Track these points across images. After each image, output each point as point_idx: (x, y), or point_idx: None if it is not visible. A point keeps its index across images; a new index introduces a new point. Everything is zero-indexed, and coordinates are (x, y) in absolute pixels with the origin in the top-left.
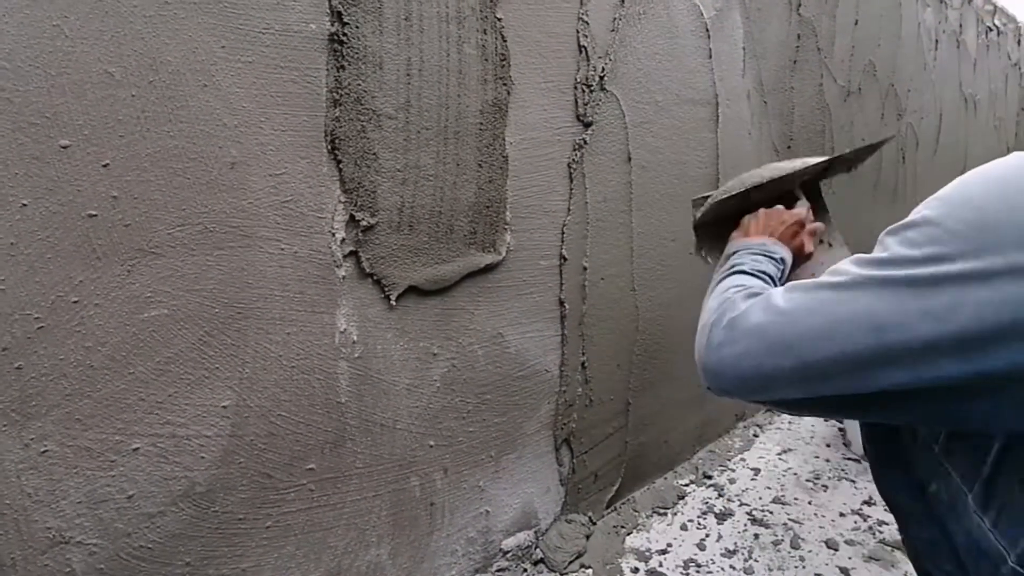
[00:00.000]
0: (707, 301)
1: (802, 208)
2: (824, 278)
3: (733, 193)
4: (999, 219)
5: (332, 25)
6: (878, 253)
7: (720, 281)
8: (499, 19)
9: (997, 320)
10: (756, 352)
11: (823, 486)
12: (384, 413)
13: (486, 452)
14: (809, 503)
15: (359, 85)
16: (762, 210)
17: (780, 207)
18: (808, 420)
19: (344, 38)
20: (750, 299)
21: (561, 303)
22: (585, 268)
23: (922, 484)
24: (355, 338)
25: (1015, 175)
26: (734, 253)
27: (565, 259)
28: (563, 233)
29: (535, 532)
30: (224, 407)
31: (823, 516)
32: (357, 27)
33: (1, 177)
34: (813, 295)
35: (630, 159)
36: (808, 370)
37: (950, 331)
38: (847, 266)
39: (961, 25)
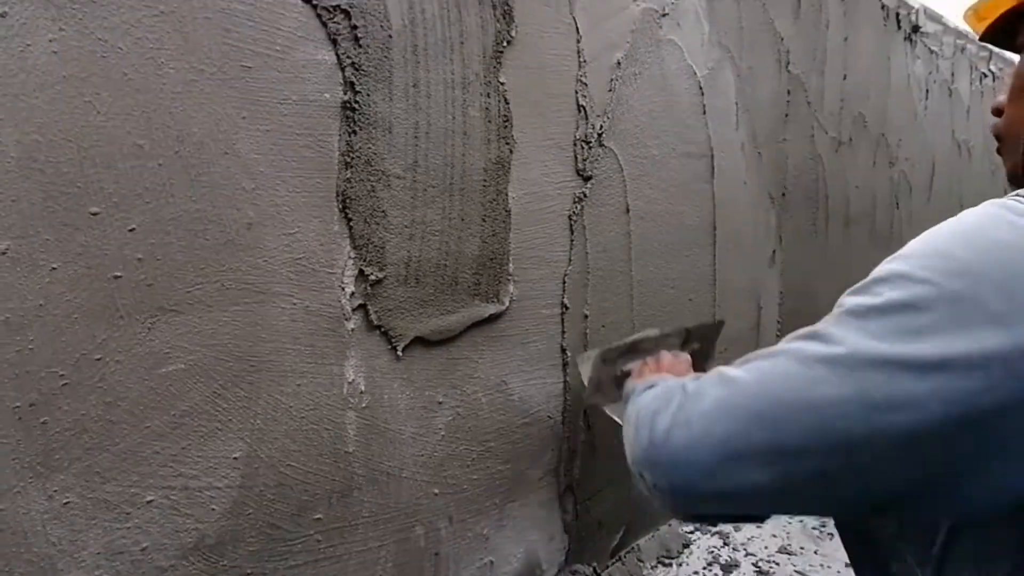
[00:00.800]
0: (627, 427)
1: (686, 356)
2: (796, 343)
3: (614, 346)
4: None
5: (345, 94)
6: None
7: (633, 403)
8: (502, 83)
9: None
10: (718, 429)
11: (829, 534)
12: (390, 462)
13: (490, 500)
14: (816, 552)
15: (370, 148)
16: (650, 358)
17: (666, 353)
18: None
19: (356, 105)
20: (688, 386)
21: (563, 351)
22: (586, 316)
23: (886, 564)
24: (363, 388)
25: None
26: (633, 390)
27: (567, 308)
28: (564, 283)
29: None
30: (235, 458)
31: (830, 567)
32: (368, 95)
33: (32, 243)
34: (782, 360)
35: (629, 211)
36: (784, 442)
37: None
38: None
39: (953, 74)
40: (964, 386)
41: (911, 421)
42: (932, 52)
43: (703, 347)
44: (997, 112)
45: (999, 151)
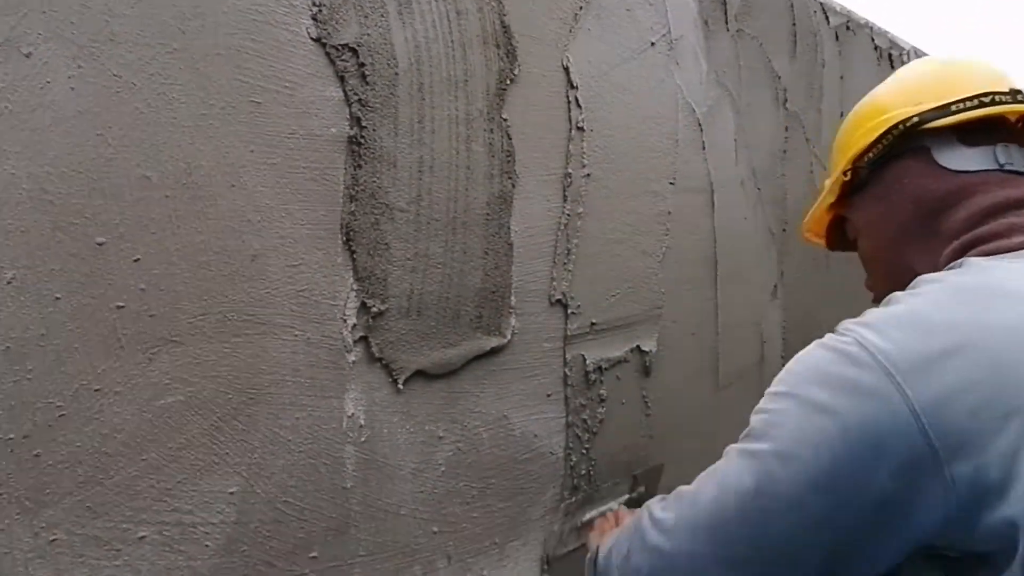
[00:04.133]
0: None
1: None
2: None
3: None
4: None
5: (351, 129)
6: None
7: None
8: (505, 119)
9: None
10: (665, 557)
11: None
12: (389, 498)
13: (490, 539)
14: None
15: (374, 182)
16: (609, 513)
17: (624, 510)
18: None
19: (362, 140)
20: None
21: (566, 385)
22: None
23: None
24: (362, 422)
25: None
26: (596, 547)
27: (569, 341)
28: (567, 316)
29: None
30: (231, 493)
31: None
32: (374, 130)
33: (38, 272)
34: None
35: None
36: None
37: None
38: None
39: None
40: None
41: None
42: None
43: (648, 489)
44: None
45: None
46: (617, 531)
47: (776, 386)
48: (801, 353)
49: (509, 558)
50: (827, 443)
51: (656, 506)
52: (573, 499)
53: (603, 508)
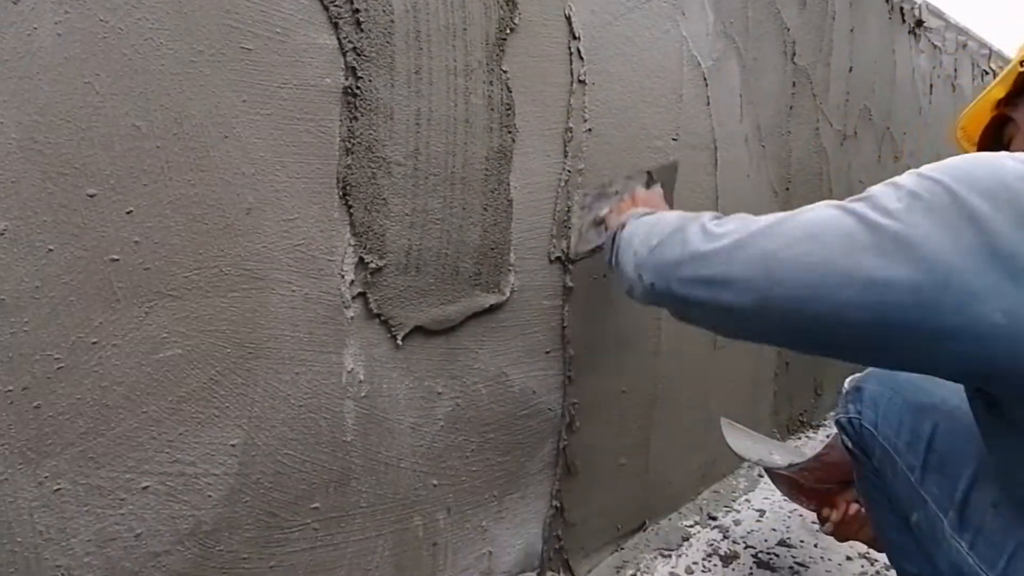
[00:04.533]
0: (628, 246)
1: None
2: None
3: (586, 192)
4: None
5: (346, 79)
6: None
7: (633, 225)
8: (504, 71)
9: None
10: (699, 259)
11: None
12: (389, 452)
13: (489, 492)
14: (815, 546)
15: (371, 134)
16: (625, 195)
17: (640, 188)
18: None
19: (357, 91)
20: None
21: (564, 343)
22: (587, 308)
23: (905, 515)
24: (362, 377)
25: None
26: (629, 217)
27: (568, 299)
28: (566, 273)
29: (537, 574)
30: (232, 445)
31: (829, 560)
32: (370, 81)
33: (30, 224)
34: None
35: None
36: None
37: None
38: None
39: (956, 70)
40: None
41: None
42: (935, 47)
43: (665, 186)
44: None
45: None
46: (649, 219)
47: (934, 172)
48: (983, 155)
49: (508, 511)
50: (962, 262)
51: (708, 217)
52: (587, 194)
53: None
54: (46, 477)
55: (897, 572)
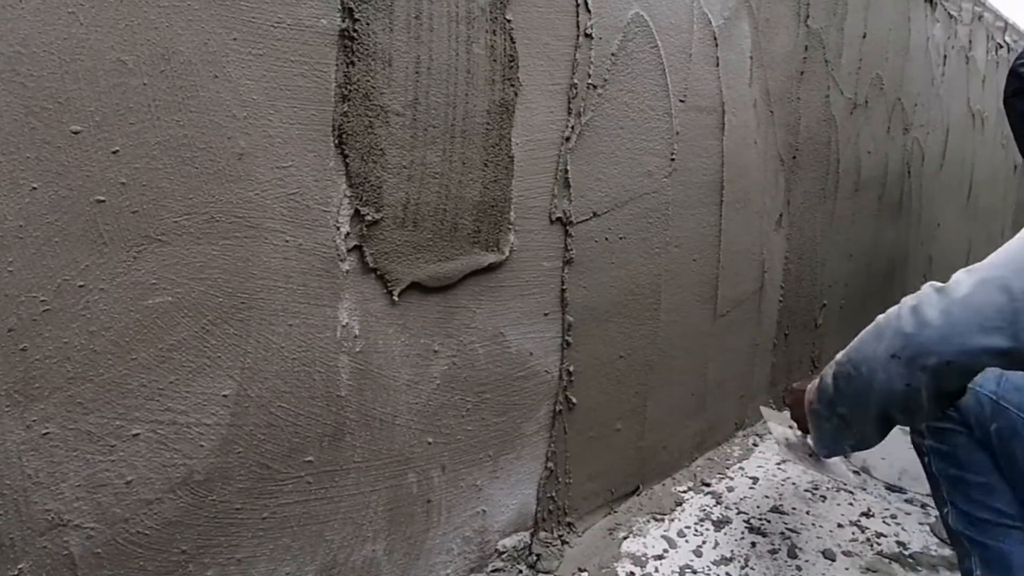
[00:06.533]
0: (842, 371)
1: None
2: None
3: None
4: None
5: (343, 21)
6: None
7: (832, 368)
8: (508, 20)
9: None
10: (992, 281)
11: (821, 497)
12: (383, 408)
13: (484, 451)
14: (807, 513)
15: (368, 81)
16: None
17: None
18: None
19: (354, 34)
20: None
21: (563, 305)
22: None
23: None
24: (357, 332)
25: None
26: (822, 376)
27: (568, 262)
28: (567, 235)
29: (531, 533)
30: (225, 396)
31: (821, 526)
32: (368, 24)
33: (13, 160)
34: None
35: None
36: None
37: None
38: None
39: (971, 41)
40: None
41: None
42: (951, 16)
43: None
44: None
45: None
46: (816, 383)
47: None
48: None
49: (503, 470)
50: None
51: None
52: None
53: None
54: (34, 420)
55: (952, 504)
